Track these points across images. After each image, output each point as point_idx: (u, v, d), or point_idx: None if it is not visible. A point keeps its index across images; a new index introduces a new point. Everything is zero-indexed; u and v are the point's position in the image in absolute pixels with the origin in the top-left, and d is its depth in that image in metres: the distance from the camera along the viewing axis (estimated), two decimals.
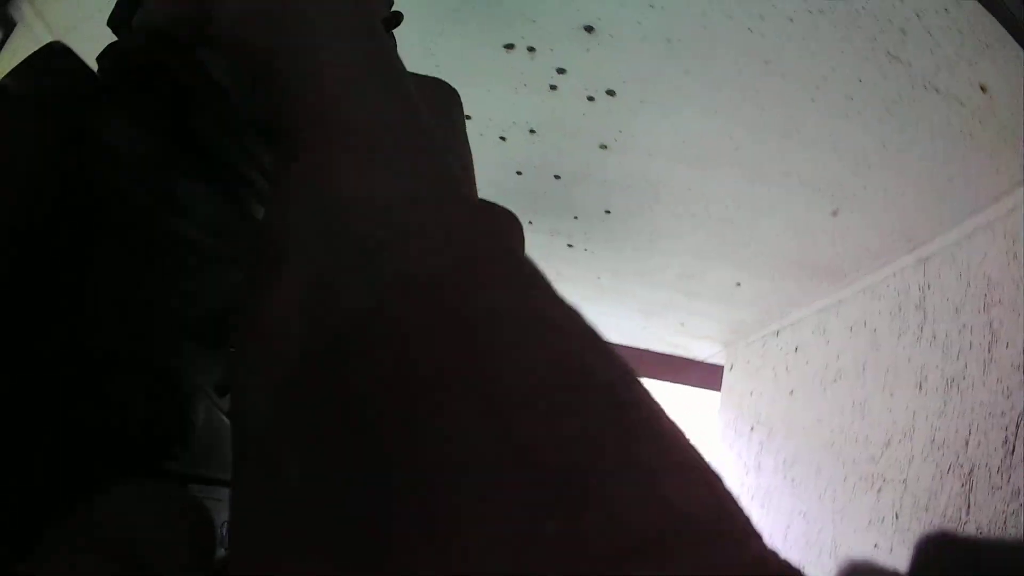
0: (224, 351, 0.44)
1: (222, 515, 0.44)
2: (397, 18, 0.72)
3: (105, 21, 0.45)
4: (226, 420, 0.42)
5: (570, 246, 3.23)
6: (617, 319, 4.41)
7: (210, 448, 0.40)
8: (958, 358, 2.07)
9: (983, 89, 1.66)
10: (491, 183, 2.65)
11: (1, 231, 0.27)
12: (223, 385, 0.44)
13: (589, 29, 1.75)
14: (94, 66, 0.37)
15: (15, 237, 0.27)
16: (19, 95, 0.30)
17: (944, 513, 1.97)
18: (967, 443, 1.94)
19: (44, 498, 0.29)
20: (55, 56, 0.32)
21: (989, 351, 1.94)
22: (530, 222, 3.00)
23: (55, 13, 1.94)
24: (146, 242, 0.37)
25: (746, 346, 4.18)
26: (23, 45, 1.93)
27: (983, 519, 1.81)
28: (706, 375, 4.94)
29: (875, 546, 2.28)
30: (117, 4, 0.42)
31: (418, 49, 1.92)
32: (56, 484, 0.29)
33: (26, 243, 0.29)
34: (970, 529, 1.85)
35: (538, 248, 3.29)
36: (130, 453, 0.34)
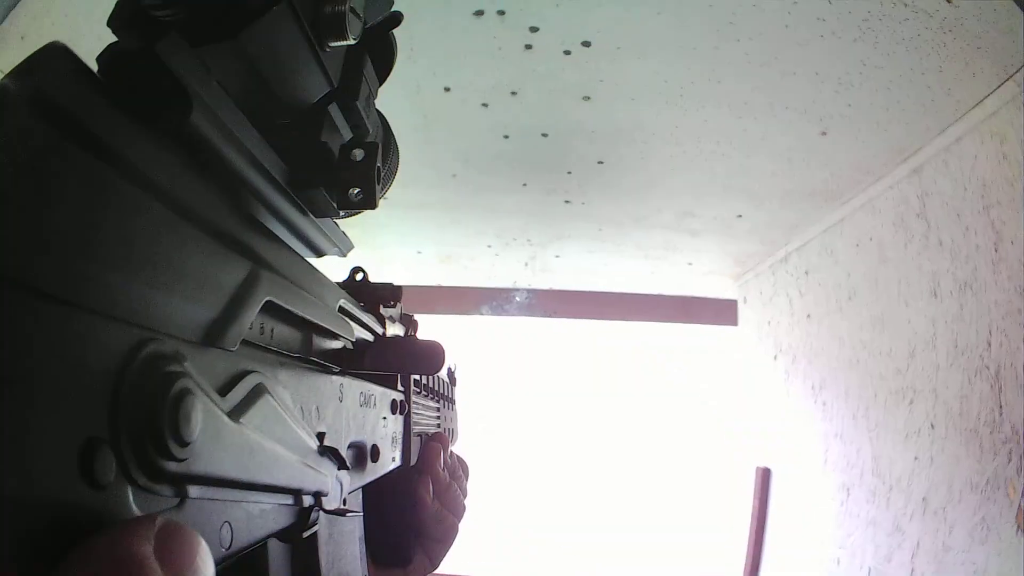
0: (224, 350, 0.45)
1: (223, 515, 0.46)
2: (397, 18, 0.73)
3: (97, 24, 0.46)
4: (227, 420, 0.43)
5: (567, 202, 3.24)
6: (624, 268, 4.43)
7: (210, 448, 0.41)
8: (967, 261, 2.07)
9: (948, 0, 1.66)
10: (480, 149, 2.67)
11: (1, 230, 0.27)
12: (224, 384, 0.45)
13: None
14: (94, 66, 0.37)
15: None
16: (19, 95, 0.30)
17: (978, 417, 1.98)
18: (989, 344, 1.95)
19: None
20: (55, 56, 0.32)
21: (996, 251, 1.94)
22: (524, 184, 3.01)
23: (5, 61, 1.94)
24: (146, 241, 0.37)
25: (756, 277, 4.19)
26: None
27: (1017, 419, 1.82)
28: (721, 311, 4.95)
29: (915, 459, 2.29)
30: (117, 4, 0.43)
31: None
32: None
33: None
34: (1005, 431, 1.86)
35: (536, 207, 3.31)
36: (130, 453, 0.34)
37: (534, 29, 1.94)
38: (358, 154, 0.60)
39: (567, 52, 2.03)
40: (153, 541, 0.32)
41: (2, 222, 0.27)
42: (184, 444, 0.37)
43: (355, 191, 0.59)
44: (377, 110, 0.75)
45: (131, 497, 0.34)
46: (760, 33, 1.87)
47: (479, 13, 1.87)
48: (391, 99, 2.08)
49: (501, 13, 1.87)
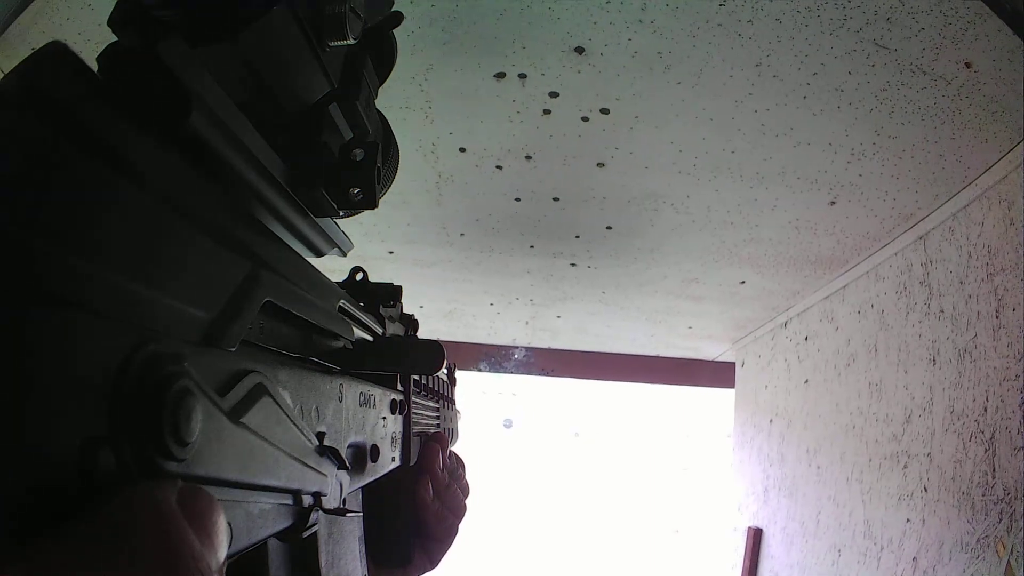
0: (223, 350, 0.45)
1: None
2: (397, 18, 0.74)
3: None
4: (226, 420, 0.44)
5: (573, 265, 3.25)
6: (625, 330, 4.43)
7: (210, 448, 0.42)
8: (968, 328, 2.10)
9: (968, 65, 1.68)
10: (491, 211, 2.67)
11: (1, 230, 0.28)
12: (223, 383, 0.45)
13: (580, 50, 1.76)
14: (94, 66, 0.37)
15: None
16: (19, 95, 0.31)
17: (971, 479, 2.00)
18: (985, 409, 1.98)
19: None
20: (55, 56, 0.33)
21: (997, 317, 1.97)
22: (532, 246, 3.02)
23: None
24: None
25: (755, 341, 4.20)
26: None
27: (1009, 480, 1.84)
28: (719, 374, 4.96)
29: (907, 521, 2.31)
30: (117, 4, 0.43)
31: (409, 85, 1.94)
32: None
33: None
34: (997, 491, 1.88)
35: (541, 270, 3.31)
36: (129, 453, 0.35)
37: (554, 94, 1.95)
38: (358, 154, 0.61)
39: (585, 119, 2.05)
40: (176, 496, 0.35)
41: (1, 222, 0.28)
42: (184, 444, 0.38)
43: (355, 191, 0.61)
44: (377, 110, 0.76)
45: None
46: (777, 104, 1.89)
47: (500, 76, 1.89)
48: (406, 157, 2.11)
49: (522, 76, 1.89)
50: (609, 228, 2.79)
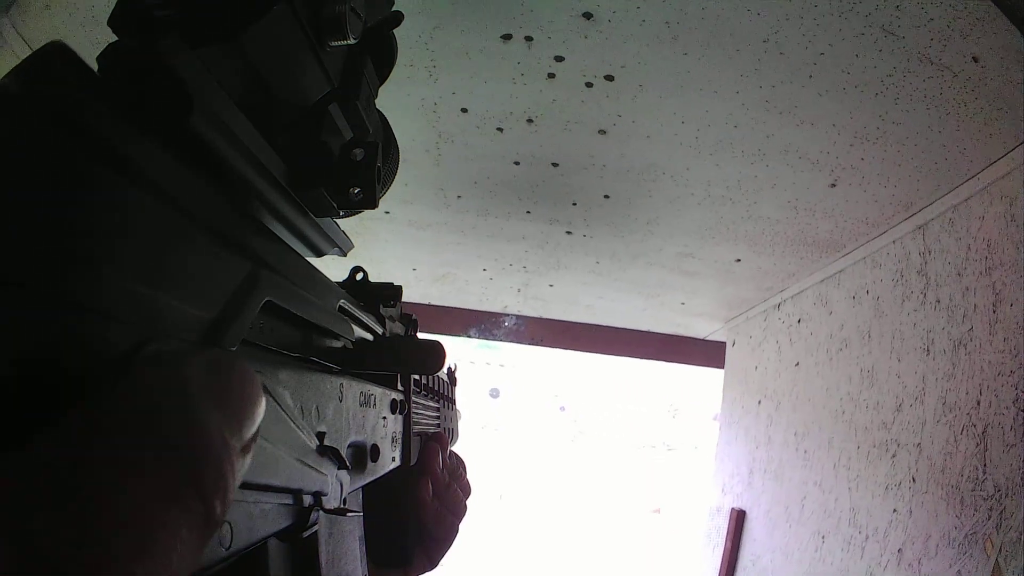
0: (224, 350, 0.45)
1: None
2: (397, 18, 0.73)
3: (99, 24, 0.46)
4: None
5: (569, 232, 3.25)
6: (617, 302, 4.43)
7: None
8: (964, 320, 2.09)
9: (975, 60, 1.68)
10: (489, 173, 2.66)
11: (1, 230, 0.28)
12: None
13: (588, 16, 1.75)
14: (94, 66, 0.37)
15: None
16: (19, 95, 0.30)
17: (961, 473, 1.99)
18: (979, 403, 1.97)
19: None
20: (55, 56, 0.32)
21: (994, 311, 1.96)
22: (528, 211, 3.01)
23: (34, 29, 1.95)
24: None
25: (747, 321, 4.21)
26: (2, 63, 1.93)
27: (1000, 477, 1.84)
28: (709, 353, 4.98)
29: (894, 511, 2.30)
30: (118, 4, 0.43)
31: (415, 44, 1.93)
32: None
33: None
34: (988, 488, 1.88)
35: (537, 236, 3.31)
36: None
37: (559, 59, 1.94)
38: (358, 153, 0.61)
39: (589, 84, 2.04)
40: (204, 370, 0.34)
41: (1, 223, 0.28)
42: None
43: (355, 191, 0.60)
44: (378, 110, 0.75)
45: None
46: (783, 81, 1.87)
47: (507, 37, 1.87)
48: (407, 114, 2.10)
49: (529, 39, 1.87)
50: (607, 197, 2.78)
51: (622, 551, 13.91)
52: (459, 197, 2.99)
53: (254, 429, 0.36)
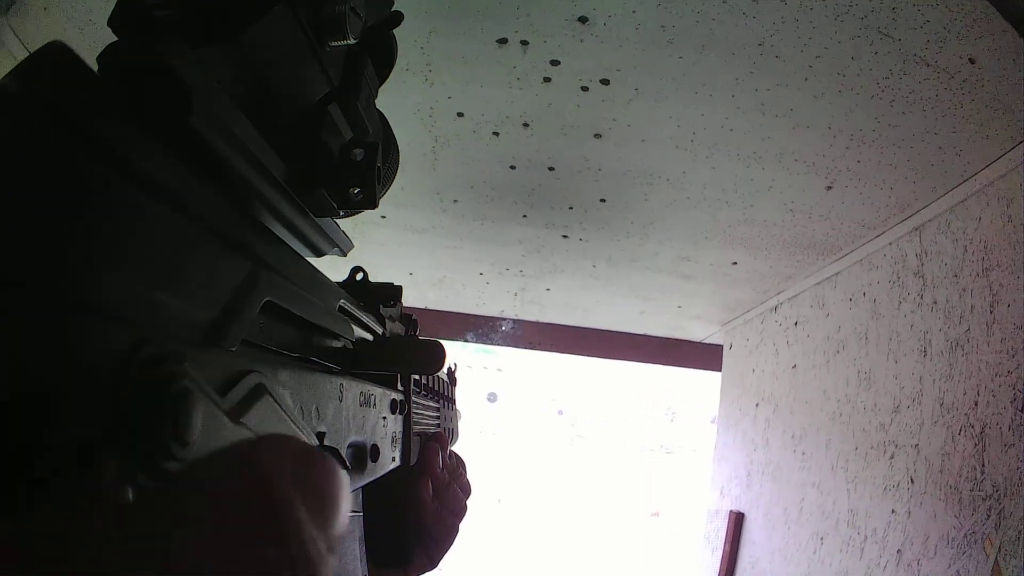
0: (224, 350, 0.45)
1: None
2: (397, 18, 0.73)
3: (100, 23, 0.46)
4: (227, 419, 0.43)
5: (565, 236, 3.24)
6: (614, 306, 4.43)
7: (210, 448, 0.38)
8: (960, 322, 2.09)
9: (972, 61, 1.68)
10: (485, 177, 2.66)
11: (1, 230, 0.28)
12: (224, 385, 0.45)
13: (583, 20, 1.75)
14: (94, 66, 0.37)
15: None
16: (19, 95, 0.30)
17: (959, 474, 1.99)
18: (976, 404, 1.97)
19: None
20: (55, 56, 0.32)
21: (991, 312, 1.96)
22: (524, 215, 3.01)
23: (32, 32, 1.94)
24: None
25: (744, 324, 4.21)
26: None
27: (998, 477, 1.84)
28: (706, 356, 4.98)
29: (892, 512, 2.30)
30: (118, 4, 0.43)
31: (411, 48, 1.93)
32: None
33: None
34: (986, 488, 1.88)
35: (533, 240, 3.30)
36: (129, 453, 0.33)
37: (555, 62, 1.94)
38: (358, 154, 0.61)
39: (584, 88, 2.04)
40: (290, 463, 0.31)
41: (1, 223, 0.28)
42: (184, 444, 0.36)
43: (355, 191, 0.60)
44: (378, 110, 0.75)
45: (131, 498, 0.33)
46: (778, 84, 1.88)
47: (503, 41, 1.88)
48: (403, 119, 2.09)
49: (524, 43, 1.88)
50: (603, 201, 2.78)
51: (621, 555, 13.91)
52: (455, 201, 2.99)
53: (341, 528, 0.32)
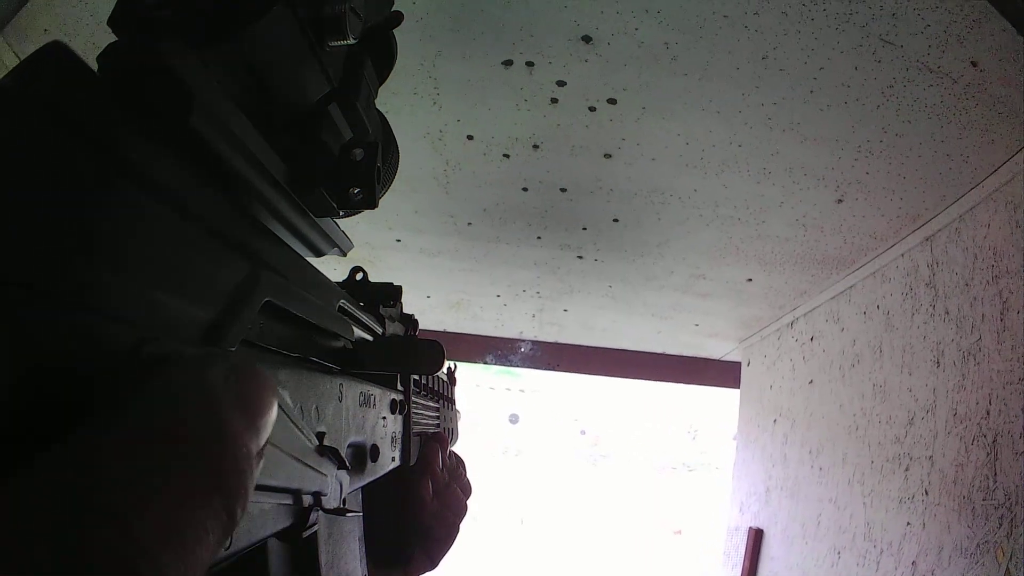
0: (222, 350, 0.45)
1: None
2: (397, 18, 0.73)
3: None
4: None
5: (580, 257, 3.25)
6: (632, 326, 4.43)
7: None
8: (972, 331, 2.09)
9: (974, 64, 1.68)
10: (498, 200, 2.67)
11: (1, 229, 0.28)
12: None
13: (587, 39, 1.76)
14: (94, 66, 0.37)
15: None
16: (19, 95, 0.31)
17: (972, 483, 1.99)
18: (988, 412, 1.97)
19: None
20: (55, 56, 0.32)
21: (1002, 320, 1.96)
22: (539, 237, 3.02)
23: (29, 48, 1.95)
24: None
25: (761, 340, 4.20)
26: None
27: (1010, 484, 1.84)
28: (725, 373, 4.97)
29: (907, 524, 2.30)
30: (118, 4, 0.43)
31: (418, 72, 1.94)
32: None
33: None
34: (998, 496, 1.87)
35: (549, 262, 3.31)
36: None
37: (561, 83, 1.95)
38: (358, 154, 0.61)
39: (592, 108, 2.05)
40: (227, 375, 0.35)
41: (1, 222, 0.28)
42: None
43: (355, 191, 0.60)
44: (378, 110, 0.75)
45: None
46: (784, 98, 1.88)
47: (508, 63, 1.89)
48: (413, 143, 2.10)
49: (530, 65, 1.89)
50: (616, 221, 2.78)
51: (643, 574, 13.84)
52: (469, 224, 2.99)
53: (268, 433, 0.37)
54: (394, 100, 2.07)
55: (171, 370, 0.34)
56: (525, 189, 2.60)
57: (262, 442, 0.36)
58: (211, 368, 0.35)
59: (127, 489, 0.28)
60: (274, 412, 0.38)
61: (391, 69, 0.76)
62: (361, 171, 0.60)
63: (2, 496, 0.26)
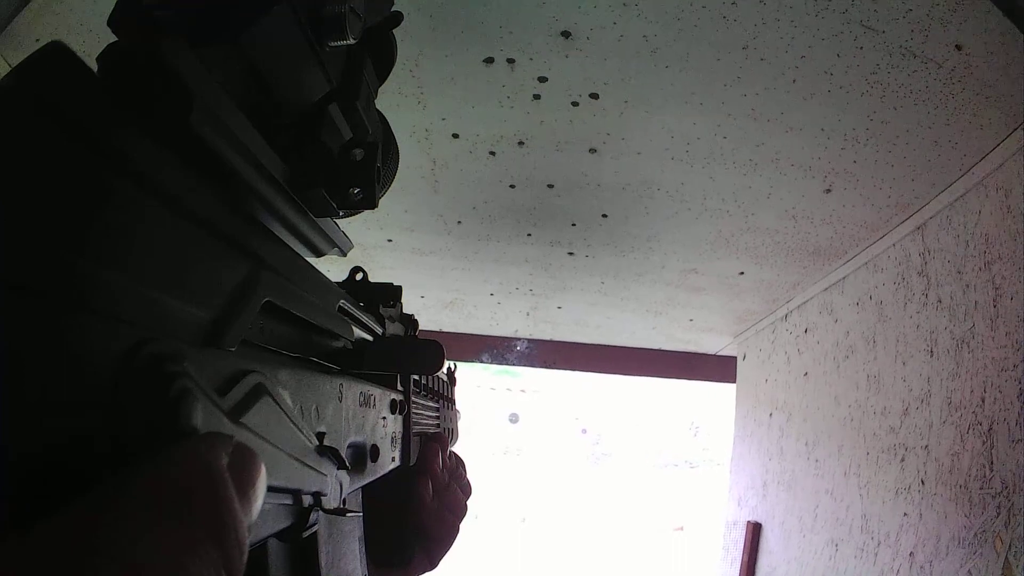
0: (223, 350, 0.45)
1: None
2: (397, 18, 0.74)
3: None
4: (226, 419, 0.43)
5: (571, 254, 3.24)
6: (626, 322, 4.43)
7: None
8: (965, 318, 2.08)
9: (959, 48, 1.66)
10: (486, 198, 2.66)
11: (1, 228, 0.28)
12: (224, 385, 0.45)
13: (566, 34, 1.75)
14: (94, 66, 0.37)
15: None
16: (19, 95, 0.30)
17: (969, 472, 1.98)
18: (983, 401, 1.96)
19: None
20: (55, 56, 0.32)
21: (995, 307, 1.95)
22: (528, 234, 3.01)
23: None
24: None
25: (756, 334, 4.21)
26: None
27: (1007, 473, 1.83)
28: (721, 368, 4.98)
29: (904, 515, 2.29)
30: (118, 4, 0.43)
31: (401, 72, 1.93)
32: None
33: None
34: (995, 485, 1.86)
35: (540, 259, 3.31)
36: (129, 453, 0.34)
37: (543, 79, 1.94)
38: (358, 154, 0.61)
39: (575, 103, 2.04)
40: (228, 457, 0.35)
41: (1, 222, 0.28)
42: None
43: (355, 191, 0.60)
44: (377, 110, 0.75)
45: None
46: (766, 88, 1.87)
47: (489, 60, 1.88)
48: (400, 142, 2.10)
49: (511, 61, 1.88)
50: (605, 216, 2.78)
51: (646, 570, 13.88)
52: (459, 223, 2.99)
53: (260, 503, 0.38)
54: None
55: (179, 453, 0.34)
56: (513, 186, 2.59)
57: (255, 515, 0.37)
58: (216, 450, 0.35)
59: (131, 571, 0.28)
60: (263, 494, 0.38)
61: (391, 69, 0.77)
62: (361, 171, 0.61)
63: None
